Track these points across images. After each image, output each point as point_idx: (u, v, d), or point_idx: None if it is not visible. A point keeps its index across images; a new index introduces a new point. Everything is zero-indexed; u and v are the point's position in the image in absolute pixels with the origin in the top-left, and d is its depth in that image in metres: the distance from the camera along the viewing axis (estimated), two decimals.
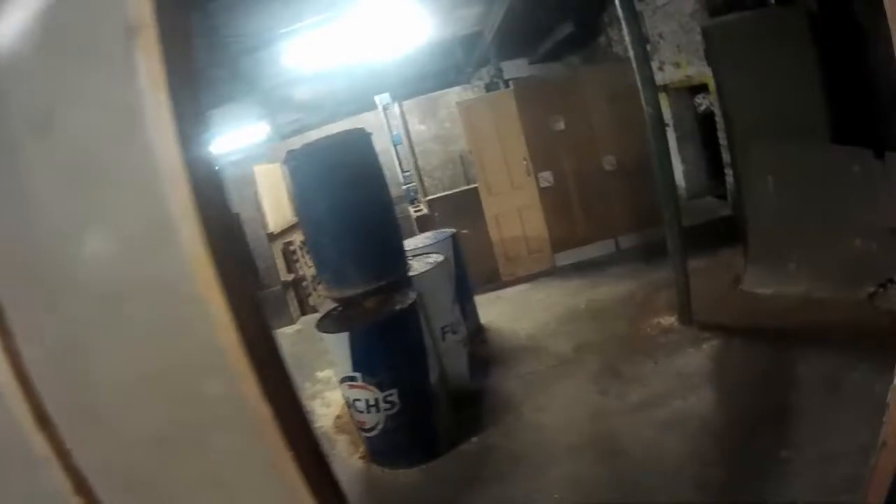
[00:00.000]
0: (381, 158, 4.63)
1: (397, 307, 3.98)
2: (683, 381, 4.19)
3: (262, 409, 1.12)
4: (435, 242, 5.77)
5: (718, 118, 6.76)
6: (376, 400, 3.78)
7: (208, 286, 1.05)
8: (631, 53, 4.82)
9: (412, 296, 4.12)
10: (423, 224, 7.57)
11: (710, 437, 3.53)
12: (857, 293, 4.56)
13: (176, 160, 1.01)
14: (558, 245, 7.43)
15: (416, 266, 4.86)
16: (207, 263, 1.04)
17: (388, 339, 3.90)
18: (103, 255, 1.16)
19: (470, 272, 6.22)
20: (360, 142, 4.31)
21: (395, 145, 9.25)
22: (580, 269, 7.20)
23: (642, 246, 7.13)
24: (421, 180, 9.56)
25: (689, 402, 3.91)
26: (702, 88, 7.38)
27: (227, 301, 1.06)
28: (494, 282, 7.35)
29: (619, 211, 7.39)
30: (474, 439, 4.18)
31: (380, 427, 3.84)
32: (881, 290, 4.55)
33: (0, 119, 1.17)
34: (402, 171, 9.36)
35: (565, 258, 7.40)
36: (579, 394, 4.46)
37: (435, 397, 4.12)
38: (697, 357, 4.48)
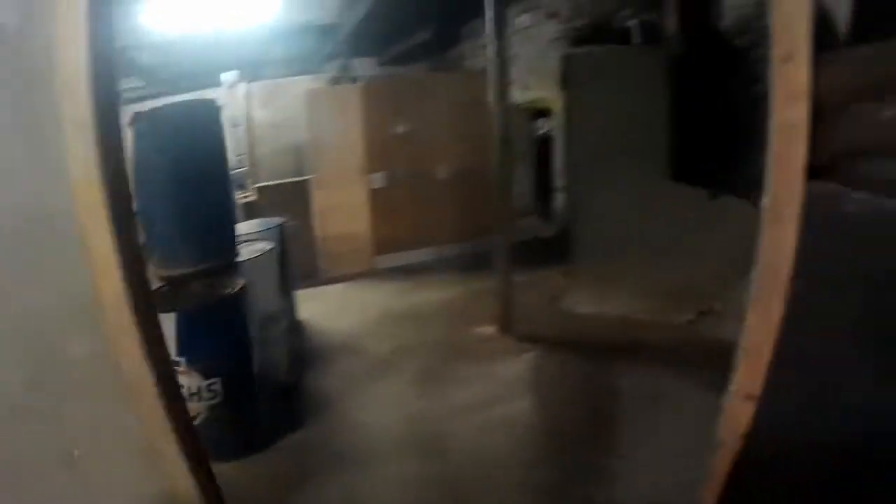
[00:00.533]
0: None
1: (227, 291, 3.72)
2: (504, 388, 4.36)
3: (141, 374, 0.94)
4: (262, 231, 5.49)
5: (558, 142, 7.20)
6: (199, 388, 3.49)
7: (95, 218, 0.86)
8: (491, 68, 4.99)
9: (241, 282, 3.86)
10: (250, 211, 7.18)
11: (533, 442, 3.68)
12: (678, 318, 5.07)
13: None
14: (383, 247, 7.43)
15: (244, 252, 4.58)
16: (98, 189, 0.86)
17: (216, 325, 3.62)
18: None
19: (296, 266, 6.01)
20: (210, 114, 4.02)
21: (233, 126, 8.71)
22: (403, 272, 7.24)
23: (467, 256, 7.36)
24: (254, 166, 9.09)
25: (511, 408, 4.07)
26: (544, 113, 7.83)
27: (115, 239, 0.88)
28: (315, 278, 7.15)
29: (447, 219, 7.57)
30: (296, 435, 4.01)
31: (201, 417, 3.54)
32: (702, 316, 5.01)
33: None
34: (236, 155, 8.84)
35: (389, 261, 7.40)
36: (400, 394, 4.46)
37: (258, 389, 3.90)
38: (518, 365, 4.69)
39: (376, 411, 4.25)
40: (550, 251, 6.70)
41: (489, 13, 4.94)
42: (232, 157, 8.70)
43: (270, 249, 4.81)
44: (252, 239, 5.17)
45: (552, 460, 3.48)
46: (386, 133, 7.33)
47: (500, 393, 4.29)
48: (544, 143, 8.04)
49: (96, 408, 0.93)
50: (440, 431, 3.91)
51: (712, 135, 5.35)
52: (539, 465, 3.45)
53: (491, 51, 4.99)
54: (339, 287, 7.01)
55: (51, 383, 0.90)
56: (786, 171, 1.78)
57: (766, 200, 1.85)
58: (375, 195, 7.35)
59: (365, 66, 11.84)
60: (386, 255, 7.40)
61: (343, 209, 7.31)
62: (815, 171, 1.78)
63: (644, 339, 4.76)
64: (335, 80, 10.98)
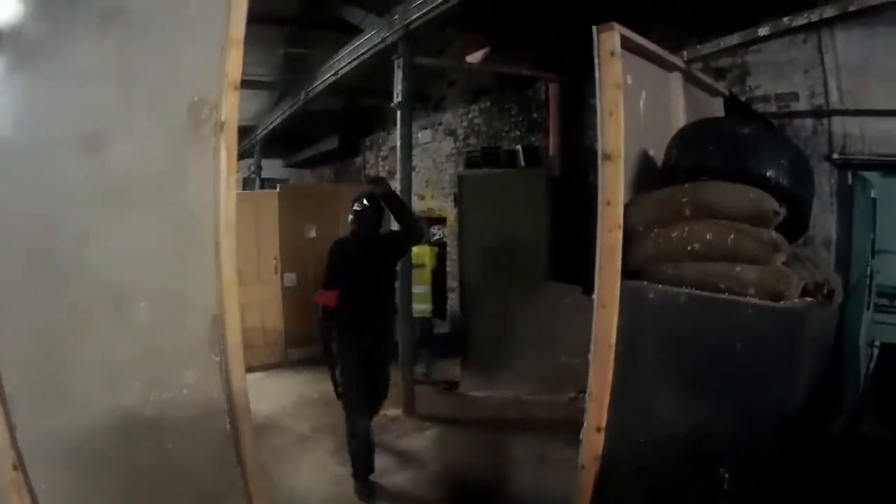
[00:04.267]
0: None
1: None
2: (410, 459, 5.03)
3: None
4: None
5: (451, 250, 8.18)
6: None
7: None
8: (398, 178, 5.91)
9: None
10: None
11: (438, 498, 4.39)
12: (560, 397, 5.96)
13: None
14: (293, 340, 7.99)
15: None
16: None
17: None
18: None
19: None
20: None
21: None
22: (312, 364, 7.76)
23: None
24: None
25: (414, 475, 4.73)
26: (439, 221, 8.84)
27: None
28: None
29: None
30: None
31: None
32: (581, 394, 5.84)
33: None
34: None
35: (299, 353, 7.95)
36: (321, 464, 4.97)
37: None
38: (422, 441, 5.38)
39: (302, 477, 4.75)
40: (446, 346, 7.56)
41: (401, 130, 5.89)
42: None
43: None
44: None
45: None
46: (298, 236, 8.09)
47: (407, 462, 4.95)
48: (438, 248, 9.00)
49: None
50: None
51: (581, 240, 6.42)
52: None
53: (400, 165, 5.93)
54: (255, 376, 7.46)
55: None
56: (608, 275, 2.72)
57: (595, 296, 2.79)
58: (287, 293, 8.00)
59: (272, 168, 12.60)
60: (297, 349, 7.96)
61: (258, 304, 7.86)
62: (628, 274, 2.75)
63: (532, 415, 5.63)
64: (246, 182, 11.68)
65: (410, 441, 5.37)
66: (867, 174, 4.54)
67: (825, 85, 4.42)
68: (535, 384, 6.20)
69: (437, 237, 9.17)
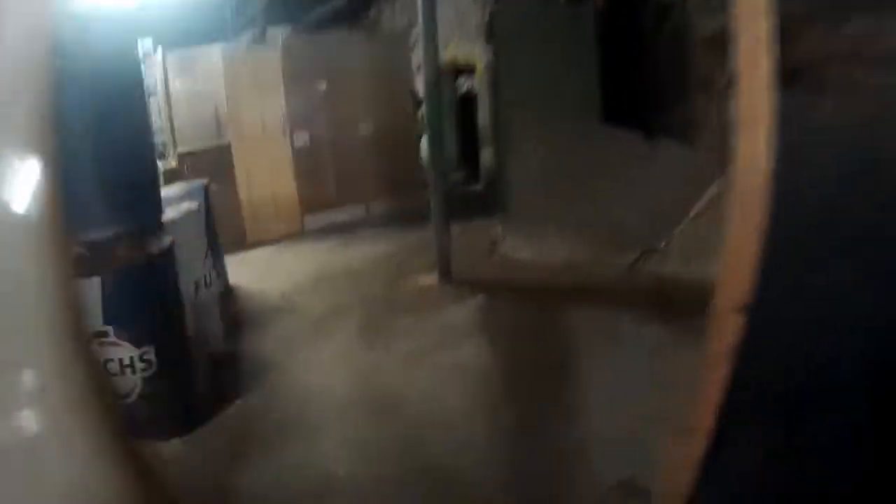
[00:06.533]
0: None
1: (154, 251, 3.41)
2: (452, 335, 4.27)
3: None
4: (186, 192, 5.13)
5: (482, 100, 7.22)
6: (131, 359, 3.20)
7: None
8: (420, 31, 5.16)
9: (168, 241, 3.57)
10: (172, 179, 6.71)
11: (490, 386, 3.60)
12: (618, 260, 5.06)
13: None
14: (309, 207, 7.20)
15: (169, 213, 4.25)
16: None
17: (145, 288, 3.31)
18: None
19: (220, 231, 5.70)
20: (131, 71, 3.64)
21: (150, 96, 8.09)
22: (331, 231, 7.02)
23: (393, 212, 7.27)
24: (173, 134, 8.48)
25: (461, 354, 3.98)
26: (465, 72, 7.72)
27: None
28: (241, 243, 6.79)
29: (371, 176, 7.48)
30: (237, 402, 3.78)
31: (136, 392, 3.26)
32: (642, 257, 5.00)
33: None
34: (155, 124, 8.24)
35: (316, 221, 7.16)
36: (344, 351, 4.31)
37: (194, 357, 3.65)
38: (462, 312, 4.63)
39: (321, 370, 4.08)
40: (482, 204, 6.67)
41: None
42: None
43: (196, 208, 4.50)
44: (176, 201, 4.83)
45: (513, 403, 3.42)
46: (307, 92, 7.15)
47: (449, 340, 4.20)
48: (465, 103, 7.99)
49: None
50: (392, 385, 3.78)
51: (640, 80, 5.37)
52: (500, 408, 3.38)
53: (421, 9, 4.99)
54: (268, 249, 6.70)
55: None
56: (754, 80, 1.72)
57: (736, 110, 1.80)
58: (299, 155, 7.11)
59: (281, 34, 11.45)
60: (314, 215, 7.14)
61: (267, 171, 6.99)
62: (784, 79, 1.74)
63: (587, 282, 4.78)
64: (252, 47, 10.58)
65: (450, 314, 4.63)
66: None
67: None
68: (586, 245, 5.32)
69: (464, 89, 8.08)
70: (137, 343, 3.24)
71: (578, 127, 5.46)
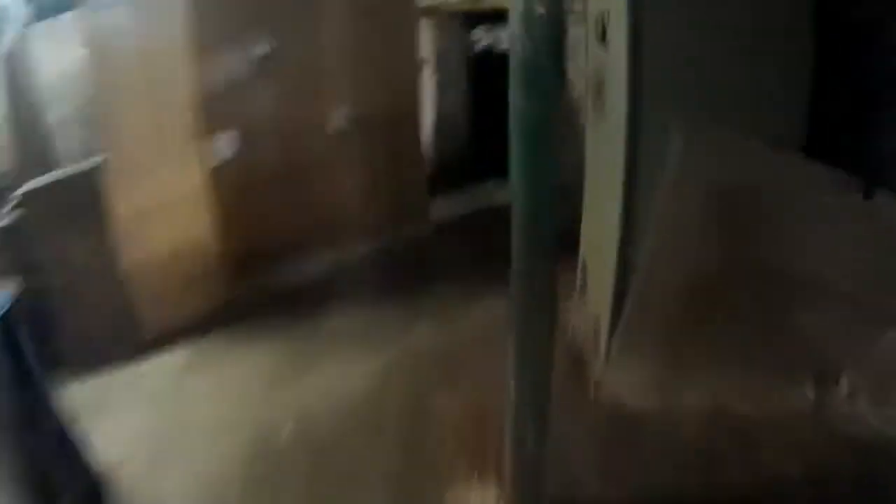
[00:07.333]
0: None
1: None
2: None
3: None
4: None
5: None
6: None
7: None
8: None
9: None
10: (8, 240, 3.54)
11: None
12: (796, 394, 2.55)
13: None
14: (240, 261, 4.10)
15: None
16: None
17: None
18: None
19: (83, 329, 3.29)
20: None
21: None
22: (278, 308, 3.99)
23: (394, 253, 4.34)
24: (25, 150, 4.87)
25: None
26: (485, 18, 5.05)
27: None
28: (135, 344, 3.72)
29: (352, 196, 4.34)
30: None
31: None
32: (831, 388, 2.65)
33: None
34: None
35: (252, 285, 4.15)
36: None
37: None
38: None
39: None
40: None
41: None
42: None
43: None
44: None
45: None
46: (234, 63, 3.93)
47: None
48: (484, 62, 5.22)
49: None
50: None
51: (866, 97, 2.88)
52: None
53: None
54: (171, 363, 3.59)
55: None
56: None
57: None
58: (220, 174, 3.99)
59: None
60: (247, 276, 4.13)
61: (169, 207, 3.92)
62: None
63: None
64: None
65: None
66: None
67: None
68: (754, 371, 2.66)
69: (482, 44, 5.26)
70: None
71: (766, 154, 2.73)
